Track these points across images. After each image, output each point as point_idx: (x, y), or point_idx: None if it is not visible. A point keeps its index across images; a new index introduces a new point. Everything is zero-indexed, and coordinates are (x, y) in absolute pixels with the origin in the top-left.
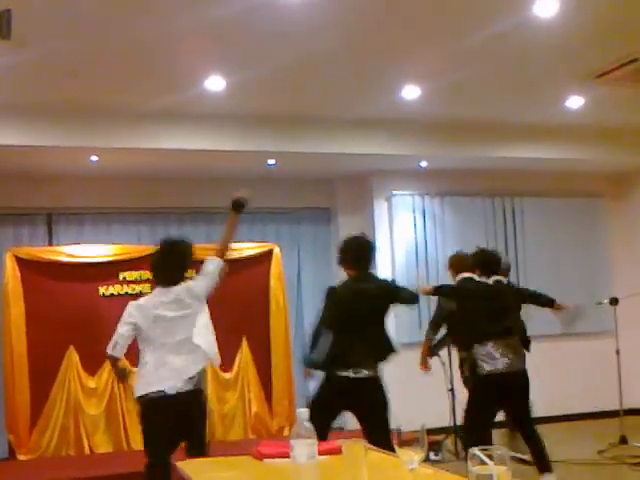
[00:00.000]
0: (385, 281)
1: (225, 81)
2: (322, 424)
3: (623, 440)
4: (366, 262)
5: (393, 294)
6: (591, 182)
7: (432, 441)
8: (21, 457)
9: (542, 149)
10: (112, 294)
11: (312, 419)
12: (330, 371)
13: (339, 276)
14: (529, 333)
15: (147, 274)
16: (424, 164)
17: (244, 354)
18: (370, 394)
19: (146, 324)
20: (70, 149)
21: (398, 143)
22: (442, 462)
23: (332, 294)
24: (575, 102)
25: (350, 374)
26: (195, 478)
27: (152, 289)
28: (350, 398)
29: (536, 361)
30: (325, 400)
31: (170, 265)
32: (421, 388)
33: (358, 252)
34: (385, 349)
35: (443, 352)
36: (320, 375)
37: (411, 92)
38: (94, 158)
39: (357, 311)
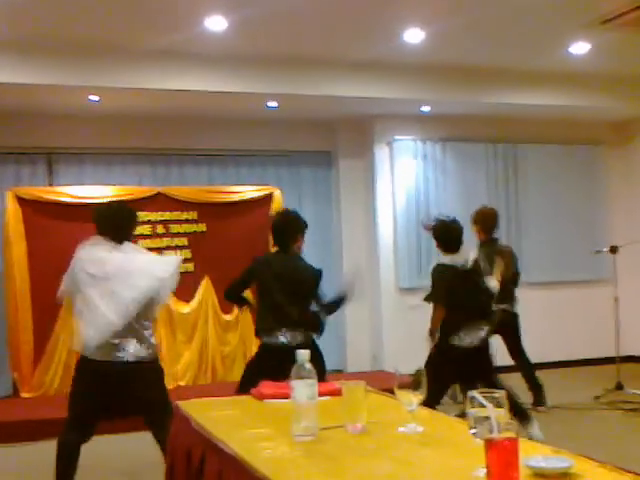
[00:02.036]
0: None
1: (226, 21)
2: None
3: (619, 386)
4: (287, 240)
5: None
6: (592, 129)
7: None
8: (24, 395)
9: (545, 96)
10: None
11: None
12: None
13: (339, 219)
14: (530, 280)
15: (147, 215)
16: (426, 109)
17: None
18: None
19: None
20: (67, 88)
21: (400, 87)
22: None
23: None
24: (580, 48)
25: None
26: (195, 416)
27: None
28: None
29: (534, 307)
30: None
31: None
32: (419, 332)
33: (281, 230)
34: None
35: None
36: None
37: (414, 36)
38: (93, 97)
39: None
